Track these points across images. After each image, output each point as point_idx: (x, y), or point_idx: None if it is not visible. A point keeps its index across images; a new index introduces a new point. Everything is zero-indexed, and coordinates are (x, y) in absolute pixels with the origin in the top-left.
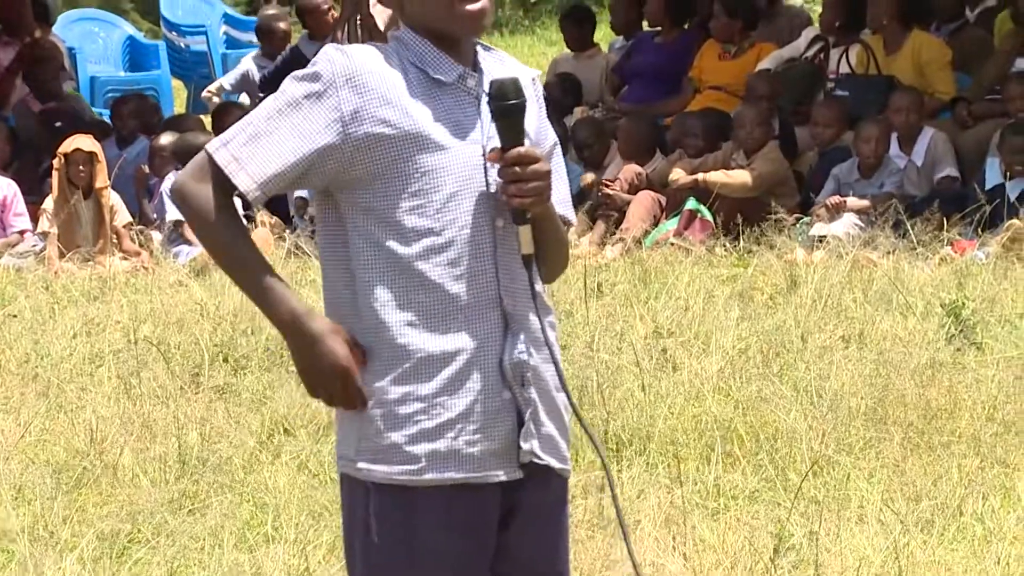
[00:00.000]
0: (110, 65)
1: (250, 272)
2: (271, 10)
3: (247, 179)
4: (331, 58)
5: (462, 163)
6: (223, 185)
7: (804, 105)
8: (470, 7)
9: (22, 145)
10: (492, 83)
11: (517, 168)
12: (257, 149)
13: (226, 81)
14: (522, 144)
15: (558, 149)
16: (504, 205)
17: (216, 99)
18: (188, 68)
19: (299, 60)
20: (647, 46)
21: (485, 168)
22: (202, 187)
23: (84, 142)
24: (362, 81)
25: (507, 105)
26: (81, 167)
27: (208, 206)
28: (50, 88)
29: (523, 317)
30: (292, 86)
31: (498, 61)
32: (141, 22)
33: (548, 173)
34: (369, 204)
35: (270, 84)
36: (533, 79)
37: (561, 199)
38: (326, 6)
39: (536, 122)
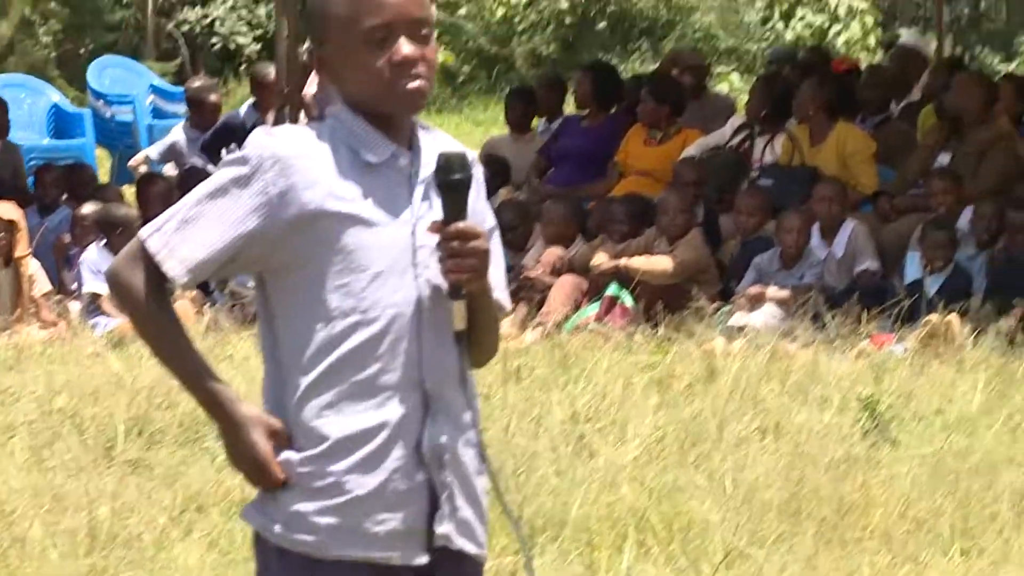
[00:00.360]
0: (34, 132)
1: (180, 358)
2: (199, 81)
3: (177, 265)
4: (259, 142)
5: (390, 242)
6: (155, 271)
7: (728, 193)
8: (409, 85)
9: None
10: (439, 156)
11: (456, 243)
12: (186, 235)
13: (153, 151)
14: (464, 219)
15: (497, 233)
16: (429, 285)
17: (143, 168)
18: (113, 137)
19: (239, 127)
20: (574, 129)
21: (413, 248)
22: (135, 273)
23: (4, 209)
24: (289, 163)
25: (452, 180)
26: (0, 234)
27: (140, 293)
28: None
29: (445, 398)
30: (221, 171)
31: (435, 140)
32: (68, 89)
33: (487, 252)
34: (296, 286)
35: (210, 148)
36: (473, 159)
37: (496, 284)
38: (274, 81)
39: (473, 204)
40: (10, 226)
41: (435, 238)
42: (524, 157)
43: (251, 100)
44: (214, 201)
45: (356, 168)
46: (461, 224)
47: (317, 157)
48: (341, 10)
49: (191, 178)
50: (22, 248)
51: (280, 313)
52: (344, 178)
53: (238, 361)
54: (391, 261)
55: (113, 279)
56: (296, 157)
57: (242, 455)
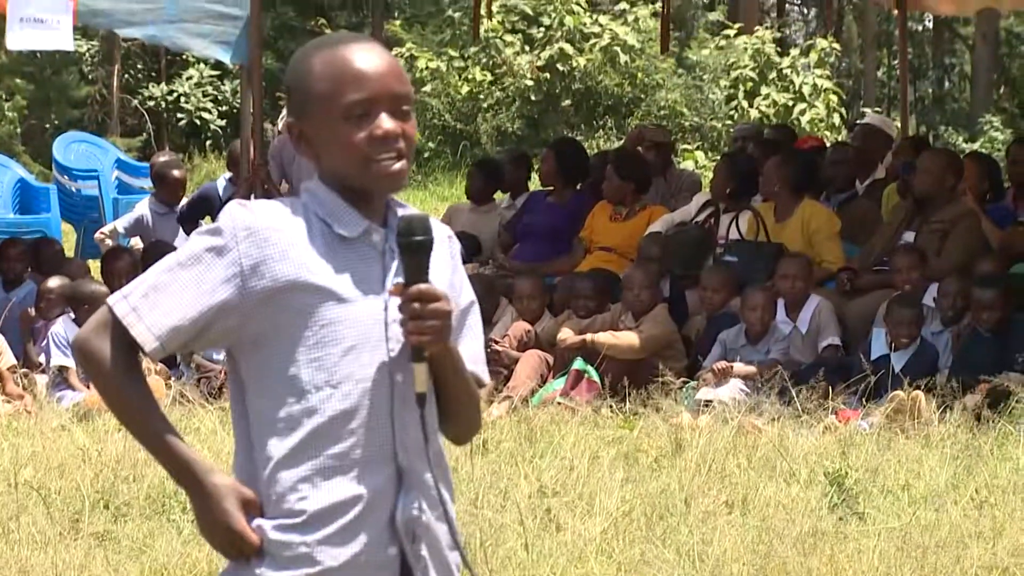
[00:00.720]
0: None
1: (148, 427)
2: (164, 157)
3: (145, 331)
4: (233, 213)
5: (363, 317)
6: (122, 338)
7: (693, 269)
8: (390, 167)
9: None
10: (400, 219)
11: (417, 304)
12: (156, 301)
13: (120, 224)
14: (425, 281)
15: (475, 308)
16: (402, 359)
17: (109, 242)
18: (79, 212)
19: (215, 199)
20: (539, 205)
21: (385, 322)
22: (102, 341)
23: None
24: (263, 236)
25: (413, 241)
26: None
27: (107, 360)
28: None
29: (418, 473)
30: (194, 240)
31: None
32: (32, 164)
33: (448, 313)
34: (268, 360)
35: (186, 219)
36: (449, 236)
37: (474, 357)
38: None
39: (450, 277)
40: None
41: None
42: (484, 229)
43: (227, 175)
44: (186, 269)
45: (330, 242)
46: (422, 286)
47: (291, 230)
48: (322, 84)
49: (156, 252)
50: None
51: (252, 387)
52: (318, 252)
53: (205, 434)
54: (364, 335)
55: (80, 347)
56: (270, 229)
57: (215, 525)
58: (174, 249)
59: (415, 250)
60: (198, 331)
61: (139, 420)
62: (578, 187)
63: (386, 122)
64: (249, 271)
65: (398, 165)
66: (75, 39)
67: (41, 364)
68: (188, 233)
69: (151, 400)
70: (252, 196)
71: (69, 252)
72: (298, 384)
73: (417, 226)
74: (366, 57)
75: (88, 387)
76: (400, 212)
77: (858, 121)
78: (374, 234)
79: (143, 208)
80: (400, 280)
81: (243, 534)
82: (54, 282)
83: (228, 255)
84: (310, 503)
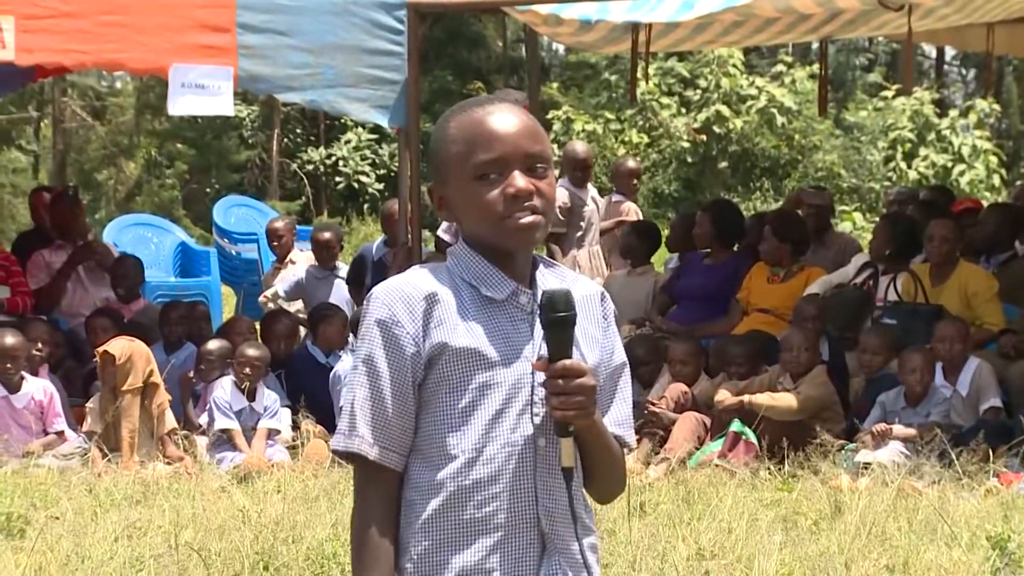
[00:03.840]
0: (161, 270)
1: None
2: (280, 223)
3: (394, 457)
4: (383, 297)
5: (511, 380)
6: (364, 470)
7: (852, 331)
8: (521, 220)
9: (75, 346)
10: (543, 294)
11: (561, 381)
12: (385, 423)
13: (281, 288)
14: (569, 356)
15: (627, 370)
16: (546, 424)
17: (271, 305)
18: (238, 275)
19: (365, 258)
20: (696, 267)
21: (532, 386)
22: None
23: (113, 345)
24: (417, 306)
25: (555, 317)
26: (108, 369)
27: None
28: (132, 292)
29: (561, 538)
30: (362, 345)
31: (558, 277)
32: (193, 228)
33: (593, 388)
34: (419, 425)
35: (350, 282)
36: (602, 296)
37: (620, 420)
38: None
39: (602, 339)
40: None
41: None
42: (635, 292)
43: (383, 237)
44: (376, 381)
45: (479, 305)
46: (567, 362)
47: (441, 297)
48: (457, 147)
49: (321, 314)
50: (130, 382)
51: (410, 456)
52: (467, 316)
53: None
54: (511, 398)
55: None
56: (421, 300)
57: None
58: (339, 309)
59: (558, 326)
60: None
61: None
62: (735, 249)
63: (518, 180)
64: (421, 342)
65: (531, 218)
66: (235, 104)
67: (201, 426)
68: (353, 296)
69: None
70: (408, 260)
71: (229, 314)
72: (446, 447)
73: (559, 301)
74: (499, 118)
75: (250, 447)
76: (543, 272)
77: (1018, 182)
78: (521, 295)
79: (301, 271)
80: (543, 354)
81: None
82: (214, 344)
83: (398, 344)
84: (452, 566)
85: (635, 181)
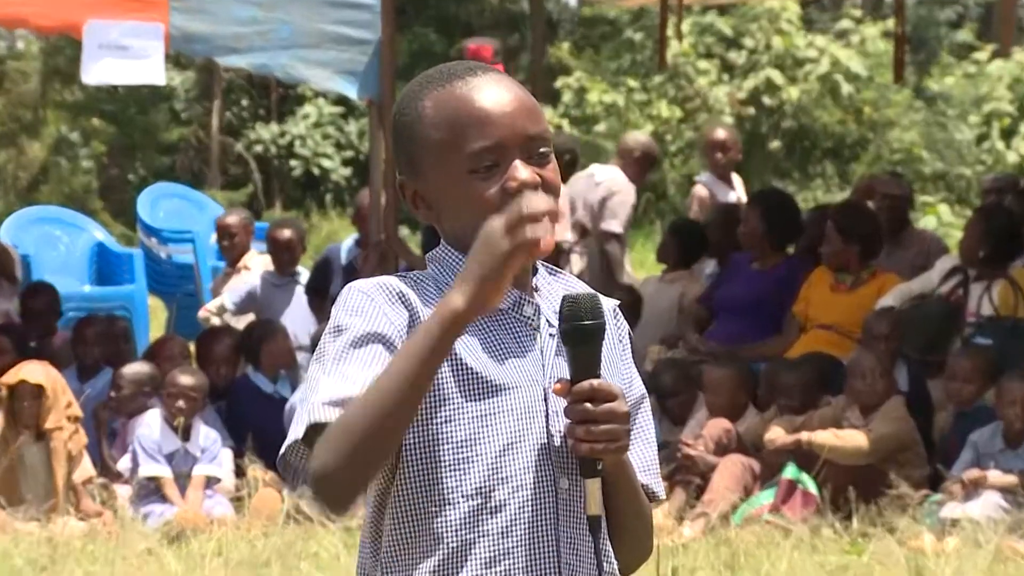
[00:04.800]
0: (73, 277)
1: (396, 370)
2: (233, 218)
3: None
4: (354, 289)
5: (520, 408)
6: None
7: (937, 353)
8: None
9: None
10: (564, 299)
11: (588, 405)
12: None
13: (229, 299)
14: (596, 376)
15: (647, 403)
16: (569, 460)
17: (215, 320)
18: (169, 283)
19: (332, 262)
20: (742, 273)
21: (547, 414)
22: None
23: (33, 372)
24: (394, 300)
25: (581, 327)
26: (25, 403)
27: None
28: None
29: None
30: (331, 325)
31: (565, 287)
32: (113, 225)
33: (627, 415)
34: (406, 464)
35: (314, 290)
36: (614, 311)
37: (646, 466)
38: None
39: (618, 365)
40: (39, 391)
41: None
42: (661, 300)
43: (354, 236)
44: (340, 342)
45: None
46: (594, 382)
47: (423, 309)
48: (440, 133)
49: (260, 334)
50: (54, 419)
51: (388, 498)
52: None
53: (326, 561)
54: (521, 430)
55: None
56: (403, 301)
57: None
58: (278, 323)
59: (584, 338)
60: None
61: (387, 386)
62: (789, 250)
63: (521, 171)
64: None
65: (542, 236)
66: (166, 70)
67: (122, 473)
68: (314, 309)
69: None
70: (383, 265)
71: (158, 333)
72: (441, 491)
73: (585, 308)
74: (490, 93)
75: (184, 498)
76: (546, 279)
77: None
78: (525, 306)
79: (255, 278)
80: (562, 374)
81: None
82: (135, 368)
83: (385, 320)
84: None
85: (719, 155)
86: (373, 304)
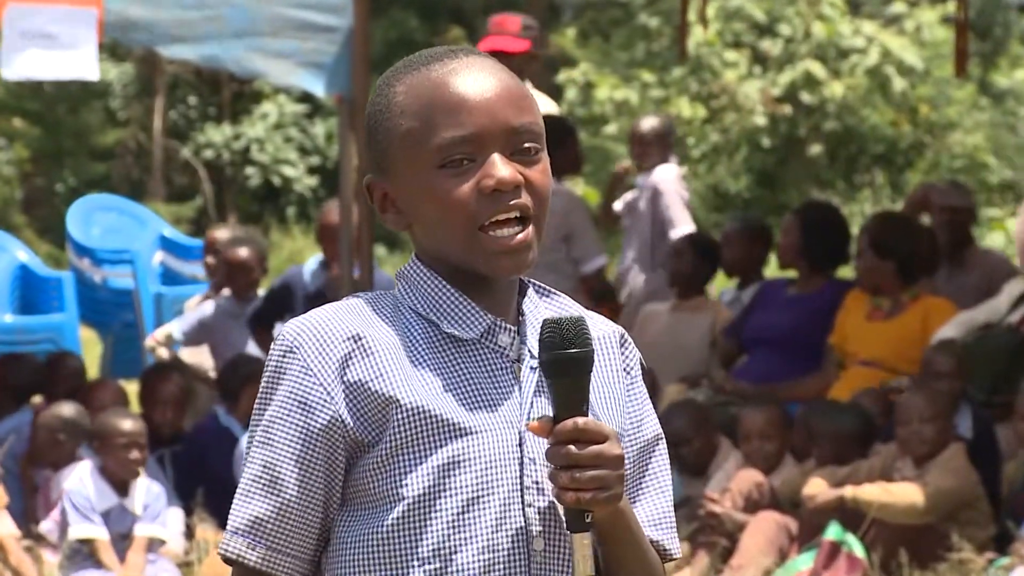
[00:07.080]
0: None
1: None
2: (224, 232)
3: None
4: (286, 339)
5: (488, 455)
6: None
7: (1004, 393)
8: (506, 238)
9: None
10: (545, 324)
11: (573, 448)
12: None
13: (177, 328)
14: (583, 413)
15: (661, 446)
16: (547, 516)
17: (163, 351)
18: (104, 312)
19: (293, 288)
20: (776, 300)
21: (521, 461)
22: None
23: None
24: (342, 355)
25: (566, 357)
26: None
27: None
28: None
29: None
30: (260, 405)
31: (560, 311)
32: (38, 243)
33: (620, 459)
34: (353, 521)
35: (256, 322)
36: (622, 340)
37: (658, 519)
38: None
39: (622, 400)
40: None
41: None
42: (687, 335)
43: (319, 256)
44: (288, 461)
45: (438, 348)
46: (580, 420)
47: (381, 338)
48: (409, 122)
49: (240, 373)
50: None
51: (330, 562)
52: (420, 363)
53: None
54: (489, 482)
55: None
56: (350, 342)
57: None
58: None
59: (568, 370)
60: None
61: None
62: (834, 272)
63: (500, 168)
64: (341, 403)
65: (520, 235)
66: (101, 62)
67: (45, 536)
68: (259, 343)
69: None
70: (350, 285)
71: (92, 370)
72: (392, 556)
73: (570, 334)
74: (469, 78)
75: (122, 563)
76: (535, 301)
77: None
78: (500, 334)
79: (207, 306)
80: (545, 413)
81: None
82: (59, 411)
83: (311, 393)
84: None
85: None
86: (297, 385)
